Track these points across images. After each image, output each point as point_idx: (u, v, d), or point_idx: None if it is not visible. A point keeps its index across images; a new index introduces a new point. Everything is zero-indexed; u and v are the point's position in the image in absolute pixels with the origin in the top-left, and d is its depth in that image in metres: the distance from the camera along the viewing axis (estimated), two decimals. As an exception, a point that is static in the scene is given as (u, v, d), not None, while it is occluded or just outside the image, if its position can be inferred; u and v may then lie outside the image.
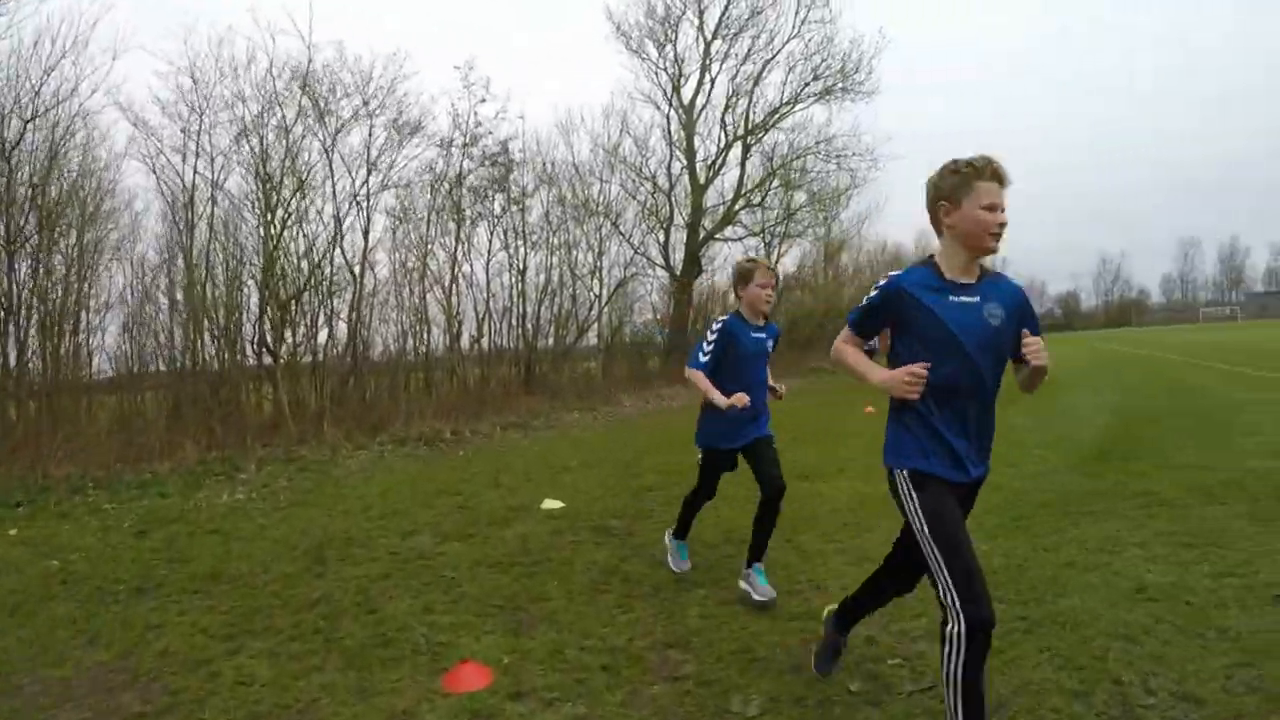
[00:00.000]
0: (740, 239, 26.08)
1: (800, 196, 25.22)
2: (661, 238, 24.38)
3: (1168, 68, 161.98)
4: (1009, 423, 10.31)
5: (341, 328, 14.74)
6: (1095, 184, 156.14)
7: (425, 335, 16.77)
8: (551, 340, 21.32)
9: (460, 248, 18.23)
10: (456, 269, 17.29)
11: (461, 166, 17.08)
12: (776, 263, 30.56)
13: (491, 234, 19.34)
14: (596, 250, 21.23)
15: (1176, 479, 6.01)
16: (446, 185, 16.59)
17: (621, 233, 22.85)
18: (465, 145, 16.72)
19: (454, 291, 17.28)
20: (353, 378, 14.56)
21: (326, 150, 14.14)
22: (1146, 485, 5.87)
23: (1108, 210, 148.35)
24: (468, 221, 17.66)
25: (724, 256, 27.62)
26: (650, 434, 11.50)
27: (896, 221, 70.38)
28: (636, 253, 23.28)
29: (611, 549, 4.99)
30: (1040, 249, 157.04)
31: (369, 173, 14.74)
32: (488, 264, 18.89)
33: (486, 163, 17.76)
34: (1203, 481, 5.77)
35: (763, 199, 24.93)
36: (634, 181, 23.61)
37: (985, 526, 4.87)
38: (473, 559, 4.77)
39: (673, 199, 24.16)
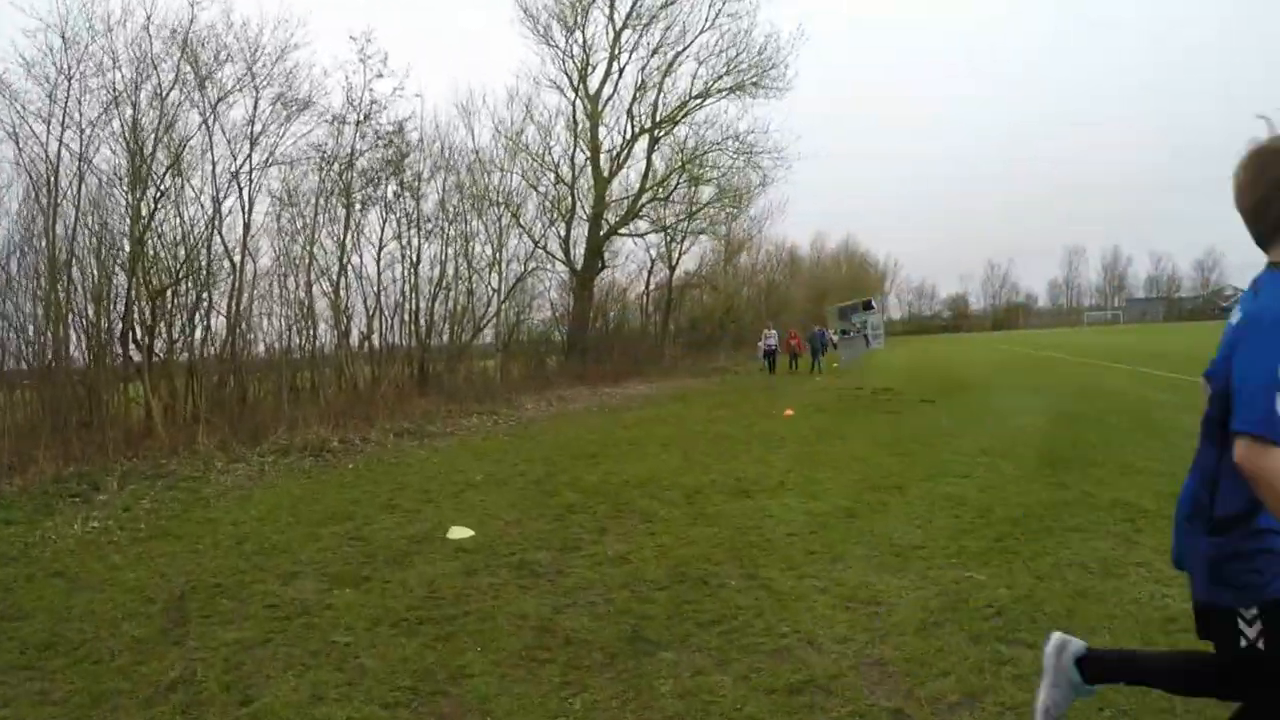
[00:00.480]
0: (644, 234, 25.81)
1: (707, 192, 25.09)
2: (563, 231, 23.80)
3: (1053, 81, 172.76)
4: (935, 425, 10.44)
5: (220, 322, 13.49)
6: (987, 190, 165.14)
7: (311, 331, 15.60)
8: (446, 338, 20.42)
9: (350, 236, 17.10)
10: (345, 259, 16.15)
11: (354, 146, 15.97)
12: (677, 261, 30.49)
13: (384, 222, 18.27)
14: (496, 242, 20.43)
15: (1145, 486, 5.94)
16: (337, 166, 15.44)
17: (522, 225, 22.12)
18: (358, 123, 15.62)
19: (343, 284, 16.17)
20: (231, 378, 13.31)
21: (206, 122, 12.85)
22: (1116, 494, 5.79)
23: (997, 216, 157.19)
24: (357, 207, 16.56)
25: (626, 253, 27.33)
26: (558, 442, 10.95)
27: (797, 221, 71.50)
28: (537, 246, 22.61)
29: (541, 595, 4.31)
30: (928, 252, 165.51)
31: (252, 148, 13.51)
32: (379, 254, 17.82)
33: (380, 143, 16.69)
34: (1173, 490, 5.60)
35: (669, 195, 24.67)
36: (536, 171, 22.91)
37: (968, 550, 4.63)
38: (370, 615, 4.08)
39: (575, 191, 23.61)
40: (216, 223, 13.05)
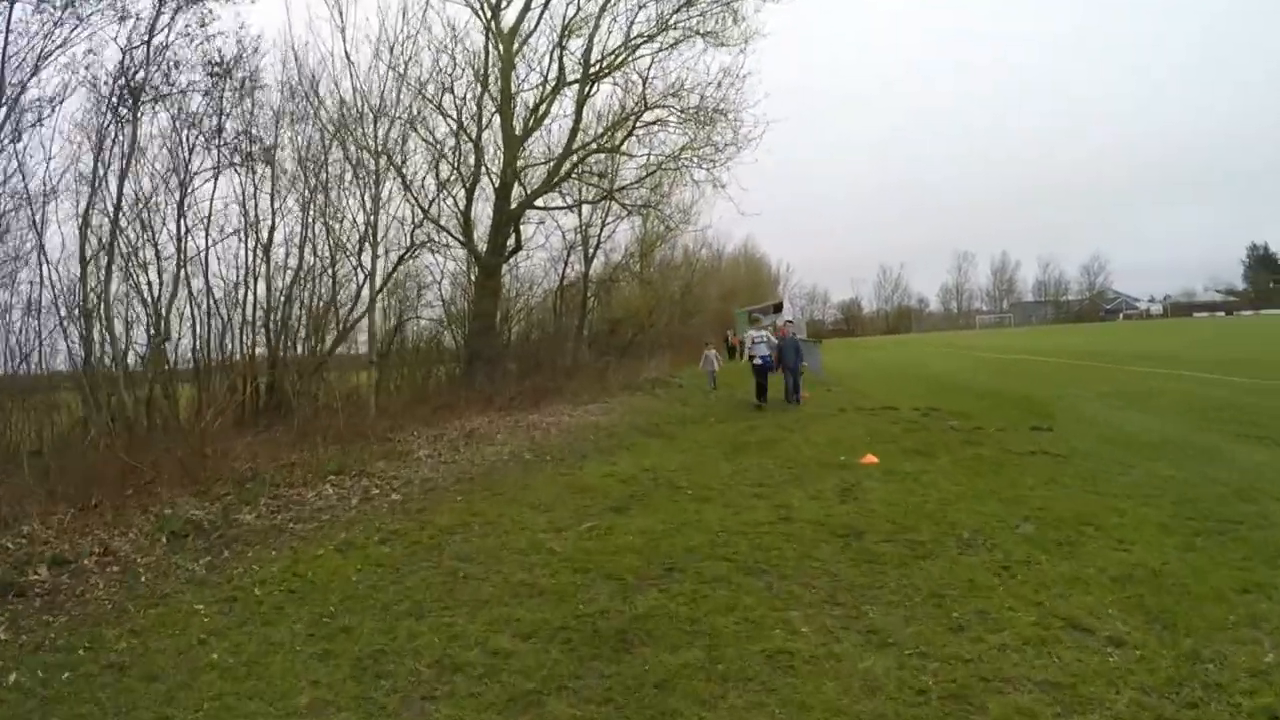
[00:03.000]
0: (573, 206, 20.35)
1: (647, 161, 19.76)
2: (462, 202, 17.93)
3: (969, 94, 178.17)
4: (1156, 474, 5.62)
5: None
6: (876, 197, 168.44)
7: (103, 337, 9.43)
8: (302, 346, 14.36)
9: (167, 201, 11.07)
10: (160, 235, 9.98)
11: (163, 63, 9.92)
12: (595, 251, 25.19)
13: (216, 176, 12.27)
14: (368, 209, 14.40)
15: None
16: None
17: (408, 186, 16.18)
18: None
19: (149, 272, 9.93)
20: None
21: None
22: None
23: (887, 222, 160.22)
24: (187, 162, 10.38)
25: (544, 235, 21.81)
26: (507, 583, 5.37)
27: (727, 216, 66.90)
28: (426, 217, 16.68)
29: None
30: (820, 257, 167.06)
31: None
32: (208, 228, 11.90)
33: (205, 64, 10.80)
34: None
35: (611, 153, 19.21)
36: (430, 119, 16.97)
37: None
38: None
39: (481, 148, 17.80)
40: None
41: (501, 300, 19.29)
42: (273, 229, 13.61)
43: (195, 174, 12.31)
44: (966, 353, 34.16)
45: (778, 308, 42.70)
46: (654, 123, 18.24)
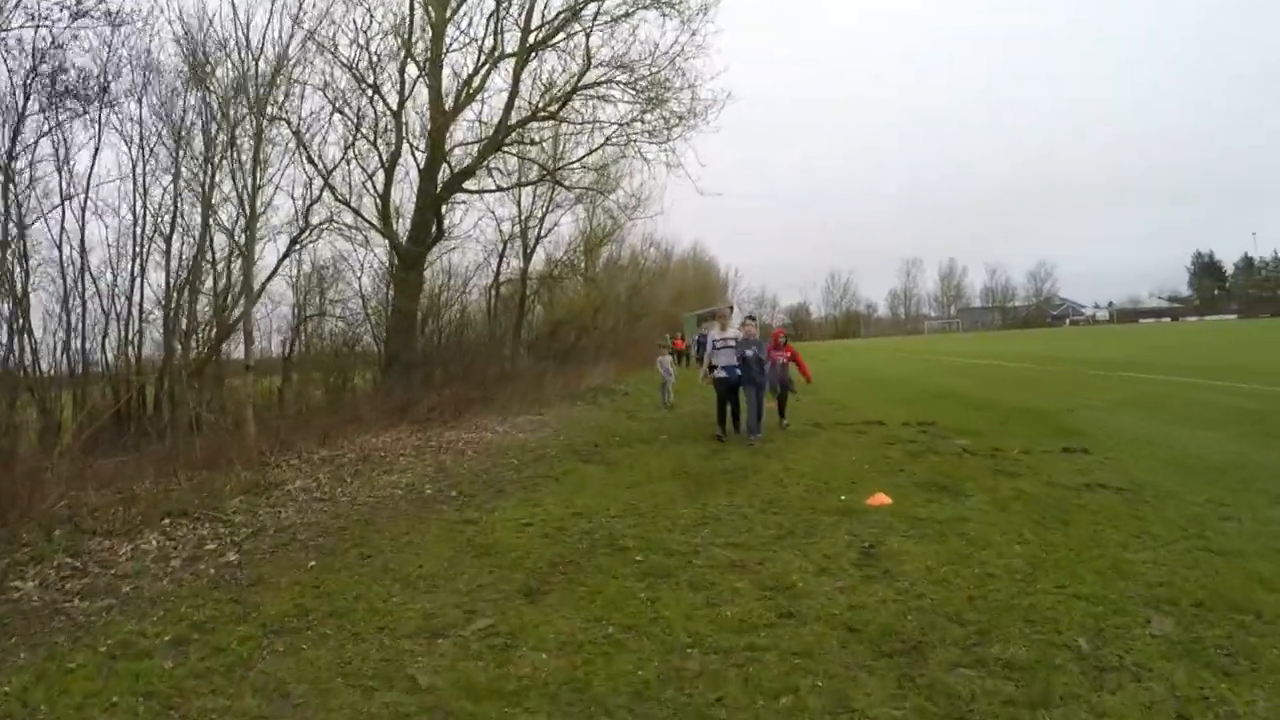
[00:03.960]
0: (504, 190, 18.05)
1: (592, 142, 17.56)
2: (380, 184, 15.48)
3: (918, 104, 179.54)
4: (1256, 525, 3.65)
5: None
6: (824, 203, 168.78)
7: None
8: (182, 347, 11.79)
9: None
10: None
11: None
12: (534, 246, 22.97)
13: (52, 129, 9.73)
14: (246, 184, 11.86)
15: None
16: None
17: (312, 160, 13.72)
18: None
19: None
20: None
21: None
22: None
23: (836, 228, 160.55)
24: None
25: (474, 220, 19.43)
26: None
27: (682, 205, 64.38)
28: (335, 197, 14.23)
29: None
30: (767, 263, 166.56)
31: None
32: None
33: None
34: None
35: (536, 130, 16.92)
36: (343, 83, 14.50)
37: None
38: None
39: (404, 122, 15.38)
40: None
41: (427, 297, 16.88)
42: (143, 207, 11.03)
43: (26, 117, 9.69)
44: (925, 358, 32.64)
45: (728, 312, 40.97)
46: (600, 83, 15.94)
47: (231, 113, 11.60)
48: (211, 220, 11.87)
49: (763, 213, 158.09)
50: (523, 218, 22.38)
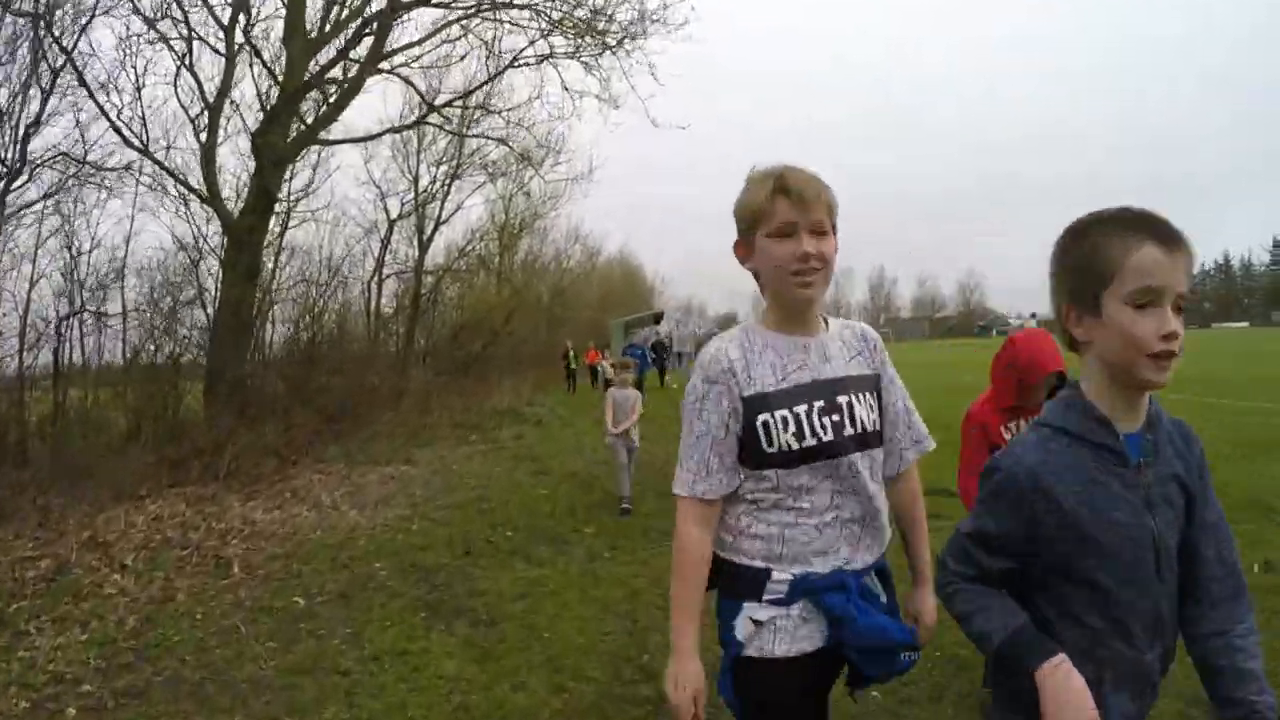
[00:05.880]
0: (401, 128, 14.03)
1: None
2: (202, 130, 11.15)
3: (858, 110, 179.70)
4: None
5: None
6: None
7: None
8: None
9: None
10: None
11: None
12: (434, 231, 18.85)
13: None
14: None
15: None
16: None
17: (84, 80, 9.43)
18: None
19: None
20: None
21: None
22: None
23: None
24: None
25: (340, 189, 15.26)
26: None
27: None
28: (129, 143, 9.93)
29: None
30: (701, 269, 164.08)
31: None
32: None
33: None
34: None
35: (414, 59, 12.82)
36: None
37: None
38: None
39: (235, 48, 11.10)
40: None
41: (268, 288, 12.49)
42: None
43: None
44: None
45: (657, 319, 37.34)
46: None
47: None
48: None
49: (691, 217, 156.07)
50: (418, 195, 18.17)
